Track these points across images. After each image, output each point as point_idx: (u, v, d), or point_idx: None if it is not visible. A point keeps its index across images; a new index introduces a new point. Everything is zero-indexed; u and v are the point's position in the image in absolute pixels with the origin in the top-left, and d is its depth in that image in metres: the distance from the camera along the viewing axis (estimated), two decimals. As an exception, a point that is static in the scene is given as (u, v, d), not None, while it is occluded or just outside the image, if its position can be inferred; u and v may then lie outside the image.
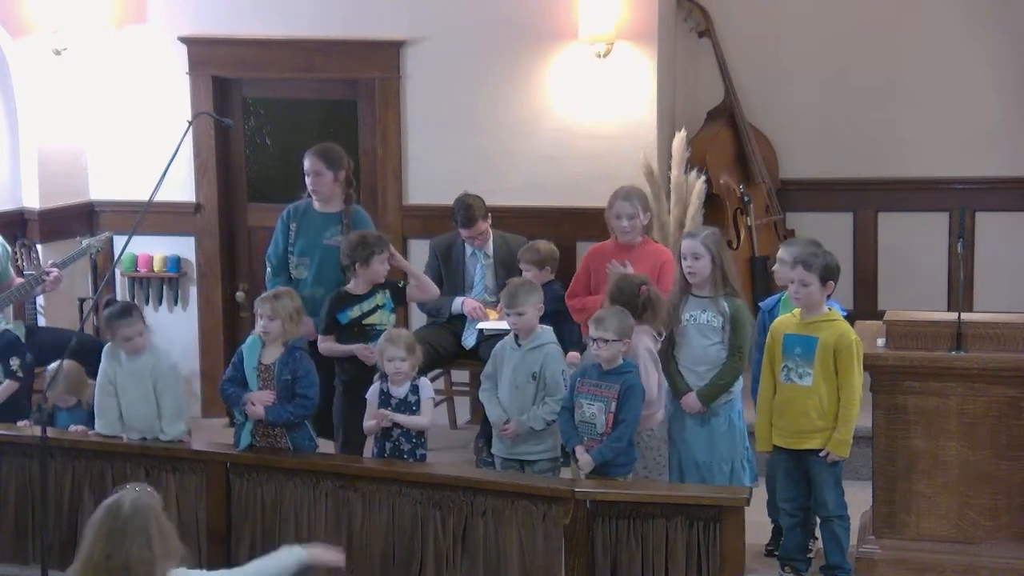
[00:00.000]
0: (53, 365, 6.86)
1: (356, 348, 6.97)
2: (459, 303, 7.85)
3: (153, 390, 6.61)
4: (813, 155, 9.09)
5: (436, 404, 7.66)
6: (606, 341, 6.19)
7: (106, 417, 6.67)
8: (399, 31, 8.52)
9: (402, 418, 6.46)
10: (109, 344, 6.70)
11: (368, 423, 6.55)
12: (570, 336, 7.35)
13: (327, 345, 7.06)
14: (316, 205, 7.55)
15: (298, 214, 7.56)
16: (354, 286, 7.06)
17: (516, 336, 6.61)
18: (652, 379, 6.43)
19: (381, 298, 7.07)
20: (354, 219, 7.51)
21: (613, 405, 6.18)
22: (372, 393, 6.57)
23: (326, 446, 7.37)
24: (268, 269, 7.64)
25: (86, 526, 4.50)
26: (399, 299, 7.20)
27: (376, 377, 6.63)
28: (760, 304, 7.03)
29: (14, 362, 7.24)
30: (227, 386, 6.60)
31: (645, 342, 6.46)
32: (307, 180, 7.50)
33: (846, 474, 6.49)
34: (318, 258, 7.47)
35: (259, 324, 6.56)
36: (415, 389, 6.53)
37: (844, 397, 6.22)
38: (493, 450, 6.67)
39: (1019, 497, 6.21)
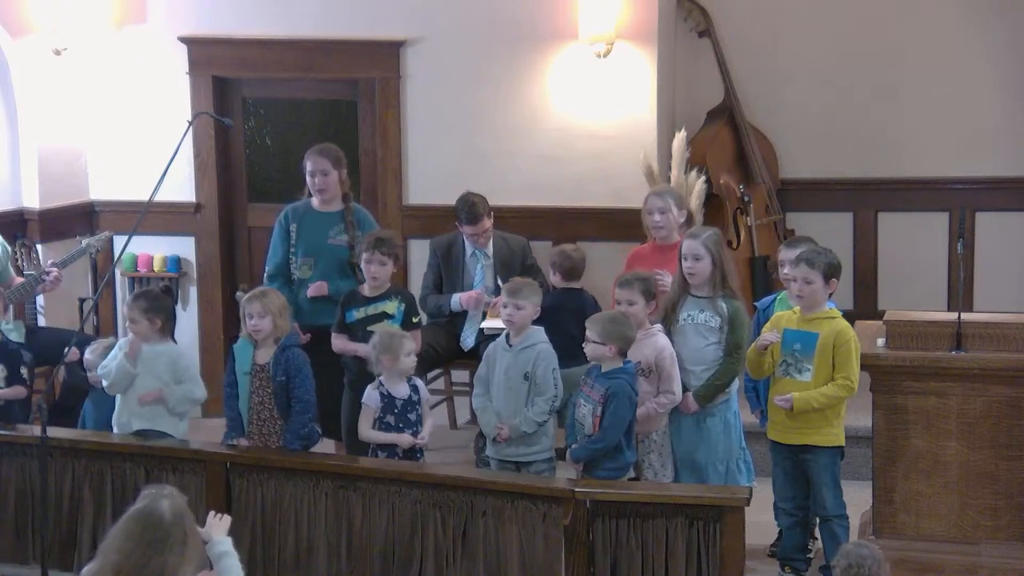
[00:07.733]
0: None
1: (362, 348, 6.95)
2: (456, 300, 7.83)
3: (172, 380, 6.67)
4: (813, 155, 9.09)
5: (435, 405, 7.66)
6: (585, 342, 6.24)
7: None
8: (399, 31, 8.52)
9: (424, 435, 6.51)
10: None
11: (376, 436, 6.52)
12: None
13: (339, 343, 7.07)
14: (316, 205, 7.54)
15: (298, 215, 7.55)
16: (364, 287, 7.07)
17: (507, 337, 6.60)
18: (678, 382, 6.46)
19: (392, 307, 7.02)
20: (358, 216, 7.51)
21: (599, 409, 6.19)
22: (371, 399, 6.51)
23: (329, 446, 7.37)
24: (265, 273, 7.64)
25: (112, 533, 4.33)
26: (411, 316, 7.10)
27: (374, 386, 6.57)
28: (756, 303, 7.03)
29: (24, 371, 7.24)
30: (228, 403, 6.64)
31: (670, 345, 6.49)
32: (312, 180, 7.48)
33: (846, 474, 6.50)
34: (324, 258, 7.46)
35: (248, 323, 6.56)
36: (415, 389, 6.54)
37: (840, 382, 6.19)
38: (488, 452, 6.65)
39: (1019, 497, 6.21)
